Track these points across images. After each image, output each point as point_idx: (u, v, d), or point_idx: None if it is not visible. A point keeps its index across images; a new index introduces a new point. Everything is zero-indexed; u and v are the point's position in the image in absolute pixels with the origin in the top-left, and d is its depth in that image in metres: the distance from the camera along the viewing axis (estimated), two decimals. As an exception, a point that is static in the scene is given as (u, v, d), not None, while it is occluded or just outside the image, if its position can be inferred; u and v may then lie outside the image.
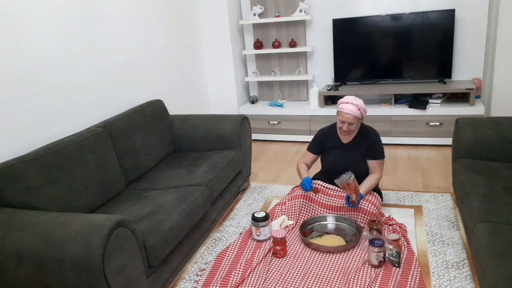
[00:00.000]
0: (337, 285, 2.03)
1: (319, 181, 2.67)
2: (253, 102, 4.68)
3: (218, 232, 2.66)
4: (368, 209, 2.46)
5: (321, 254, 2.28)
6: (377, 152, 2.57)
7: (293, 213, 2.61)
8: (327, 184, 2.65)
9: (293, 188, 2.81)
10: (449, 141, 3.73)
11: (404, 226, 2.50)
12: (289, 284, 2.06)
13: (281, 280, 2.09)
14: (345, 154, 2.61)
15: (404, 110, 3.85)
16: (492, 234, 1.72)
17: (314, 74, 4.47)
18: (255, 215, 2.42)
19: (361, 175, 2.60)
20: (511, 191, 2.05)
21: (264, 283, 2.07)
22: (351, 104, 2.45)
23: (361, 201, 2.48)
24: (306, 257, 2.27)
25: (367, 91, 4.02)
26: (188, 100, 4.01)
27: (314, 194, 2.60)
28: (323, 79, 4.46)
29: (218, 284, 2.08)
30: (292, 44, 4.33)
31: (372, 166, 2.58)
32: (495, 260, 1.57)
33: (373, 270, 2.10)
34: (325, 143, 2.69)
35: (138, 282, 1.76)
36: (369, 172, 2.60)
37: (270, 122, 4.35)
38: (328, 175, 2.69)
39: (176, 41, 3.76)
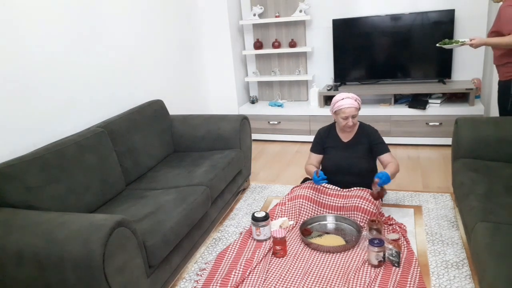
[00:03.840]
0: (337, 285, 2.03)
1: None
2: (253, 102, 4.69)
3: (218, 232, 2.66)
4: (368, 208, 2.46)
5: (321, 254, 2.28)
6: (383, 145, 2.61)
7: (293, 214, 2.61)
8: (327, 184, 2.66)
9: (293, 188, 2.81)
10: (448, 141, 3.73)
11: (404, 226, 2.50)
12: (289, 284, 2.06)
13: (281, 279, 2.10)
14: (346, 153, 2.62)
15: (403, 110, 3.86)
16: (492, 234, 1.72)
17: (314, 74, 4.47)
18: (255, 215, 2.42)
19: (364, 173, 2.60)
20: (511, 191, 2.05)
21: (264, 283, 2.07)
22: (348, 98, 2.52)
23: (361, 200, 2.48)
24: (306, 257, 2.28)
25: (367, 91, 4.02)
26: (188, 100, 4.01)
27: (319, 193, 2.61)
28: (323, 79, 4.47)
29: (218, 284, 2.09)
30: (292, 44, 4.33)
31: (385, 159, 2.59)
32: (495, 260, 1.57)
33: (373, 270, 2.10)
34: (325, 142, 2.70)
35: (138, 282, 1.76)
36: (384, 166, 2.59)
37: (270, 122, 4.35)
38: (329, 175, 2.69)
39: (176, 41, 3.76)
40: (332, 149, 2.68)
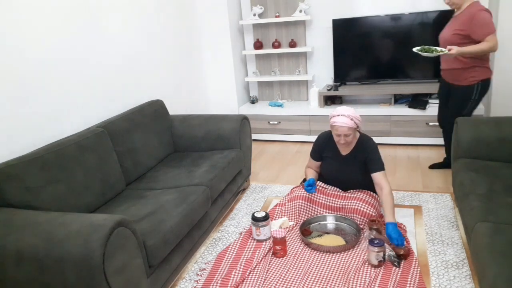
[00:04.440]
0: (337, 285, 2.03)
1: (320, 182, 2.68)
2: (253, 102, 4.69)
3: (218, 232, 2.66)
4: (367, 211, 2.45)
5: (321, 254, 2.28)
6: (378, 163, 2.46)
7: (293, 214, 2.61)
8: (326, 185, 2.66)
9: (293, 188, 2.81)
10: (449, 141, 3.72)
11: (404, 226, 2.50)
12: (289, 284, 2.06)
13: (281, 279, 2.10)
14: (343, 166, 2.59)
15: (403, 110, 3.85)
16: (492, 234, 1.72)
17: (314, 74, 4.47)
18: (255, 215, 2.42)
19: (361, 186, 2.59)
20: (511, 191, 2.06)
21: (264, 283, 2.07)
22: (342, 116, 2.38)
23: (360, 203, 2.48)
24: (306, 256, 2.28)
25: (367, 91, 4.02)
26: (188, 100, 4.01)
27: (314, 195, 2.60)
28: (323, 79, 4.47)
29: (218, 284, 2.09)
30: (292, 44, 4.33)
31: (378, 179, 2.43)
32: (495, 260, 1.57)
33: (372, 270, 2.10)
34: (323, 150, 2.66)
35: (138, 282, 1.76)
36: (376, 187, 2.44)
37: (270, 122, 4.35)
38: (326, 182, 2.69)
39: (176, 41, 3.76)
40: (329, 160, 2.63)
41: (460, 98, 2.87)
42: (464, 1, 2.75)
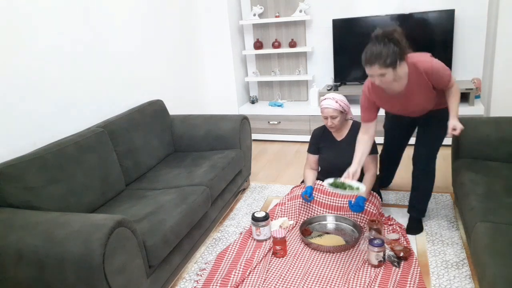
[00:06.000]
0: (337, 285, 2.03)
1: (319, 181, 2.68)
2: (253, 102, 4.69)
3: (218, 232, 2.66)
4: (368, 209, 2.46)
5: (321, 254, 2.28)
6: (371, 148, 2.50)
7: (293, 213, 2.61)
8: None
9: (293, 188, 2.81)
10: (449, 141, 3.72)
11: (404, 226, 2.50)
12: (289, 284, 2.06)
13: (281, 279, 2.10)
14: (339, 151, 2.62)
15: (404, 110, 3.85)
16: (492, 234, 1.72)
17: (314, 74, 4.47)
18: (255, 215, 2.42)
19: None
20: (511, 191, 2.06)
21: (264, 283, 2.07)
22: (328, 99, 2.51)
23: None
24: (306, 256, 2.28)
25: (367, 91, 4.02)
26: (188, 100, 4.02)
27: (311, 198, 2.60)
28: (323, 79, 4.47)
29: (218, 284, 2.09)
30: (292, 44, 4.33)
31: (366, 161, 2.49)
32: (495, 260, 1.57)
33: (372, 270, 2.10)
34: (319, 142, 2.70)
35: (138, 282, 1.76)
36: (364, 169, 2.54)
37: (270, 122, 4.35)
38: (326, 174, 2.69)
39: (176, 41, 3.76)
40: (326, 148, 2.68)
41: (442, 119, 2.22)
42: (399, 71, 2.12)
